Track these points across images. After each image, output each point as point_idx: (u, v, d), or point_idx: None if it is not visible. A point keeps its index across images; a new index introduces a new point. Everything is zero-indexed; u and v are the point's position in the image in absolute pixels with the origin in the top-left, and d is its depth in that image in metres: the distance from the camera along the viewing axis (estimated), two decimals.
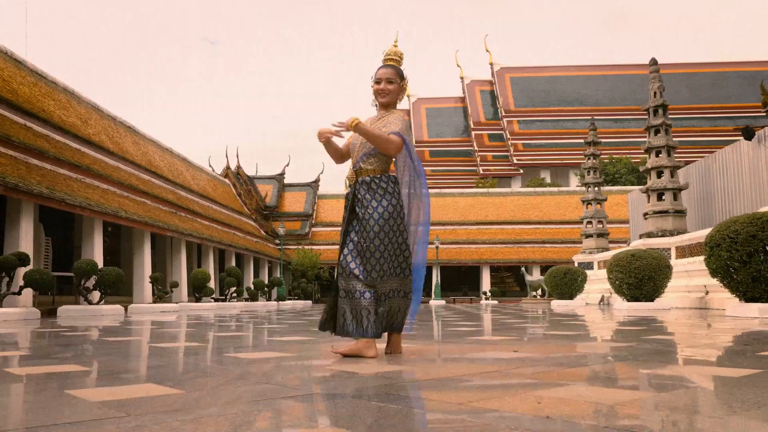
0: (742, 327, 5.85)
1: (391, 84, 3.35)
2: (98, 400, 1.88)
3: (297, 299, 33.02)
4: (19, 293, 10.65)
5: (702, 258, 14.94)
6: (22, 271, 10.85)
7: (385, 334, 3.29)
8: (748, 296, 8.30)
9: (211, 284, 20.48)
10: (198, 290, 16.89)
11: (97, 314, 10.95)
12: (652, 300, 13.47)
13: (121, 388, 2.12)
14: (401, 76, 3.41)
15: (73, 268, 11.27)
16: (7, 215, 13.02)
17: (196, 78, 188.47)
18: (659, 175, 18.31)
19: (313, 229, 43.00)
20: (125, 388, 2.12)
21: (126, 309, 13.54)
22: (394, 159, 3.32)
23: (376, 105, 3.44)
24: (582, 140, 59.14)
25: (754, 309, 7.85)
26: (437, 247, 37.01)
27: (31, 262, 11.34)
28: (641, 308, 12.94)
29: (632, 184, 46.47)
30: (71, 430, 1.48)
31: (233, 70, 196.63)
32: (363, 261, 3.13)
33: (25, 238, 12.88)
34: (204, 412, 1.69)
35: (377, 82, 3.37)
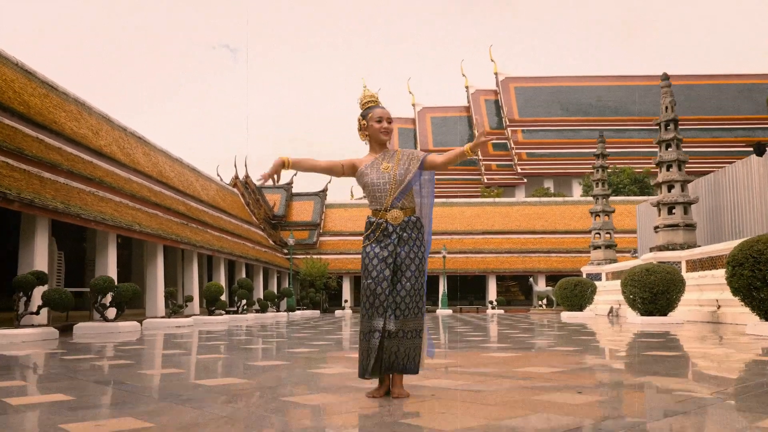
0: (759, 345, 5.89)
1: (391, 123, 3.41)
2: None
3: (306, 309, 33.11)
4: (37, 313, 10.48)
5: (713, 272, 15.02)
6: (39, 290, 10.63)
7: None
8: None
9: (223, 296, 20.51)
10: (211, 303, 16.94)
11: (114, 331, 10.96)
12: (665, 314, 13.48)
13: None
14: None
15: (90, 285, 11.14)
16: (22, 231, 12.79)
17: (202, 85, 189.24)
18: (670, 188, 18.34)
19: (321, 238, 42.96)
20: None
21: (141, 324, 13.56)
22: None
23: (366, 142, 3.47)
24: (585, 150, 60.02)
25: None
26: (444, 257, 36.92)
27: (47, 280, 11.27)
28: (654, 323, 12.94)
29: (635, 194, 46.59)
30: None
31: (242, 78, 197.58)
32: None
33: (41, 254, 12.64)
34: None
35: (379, 120, 3.37)
